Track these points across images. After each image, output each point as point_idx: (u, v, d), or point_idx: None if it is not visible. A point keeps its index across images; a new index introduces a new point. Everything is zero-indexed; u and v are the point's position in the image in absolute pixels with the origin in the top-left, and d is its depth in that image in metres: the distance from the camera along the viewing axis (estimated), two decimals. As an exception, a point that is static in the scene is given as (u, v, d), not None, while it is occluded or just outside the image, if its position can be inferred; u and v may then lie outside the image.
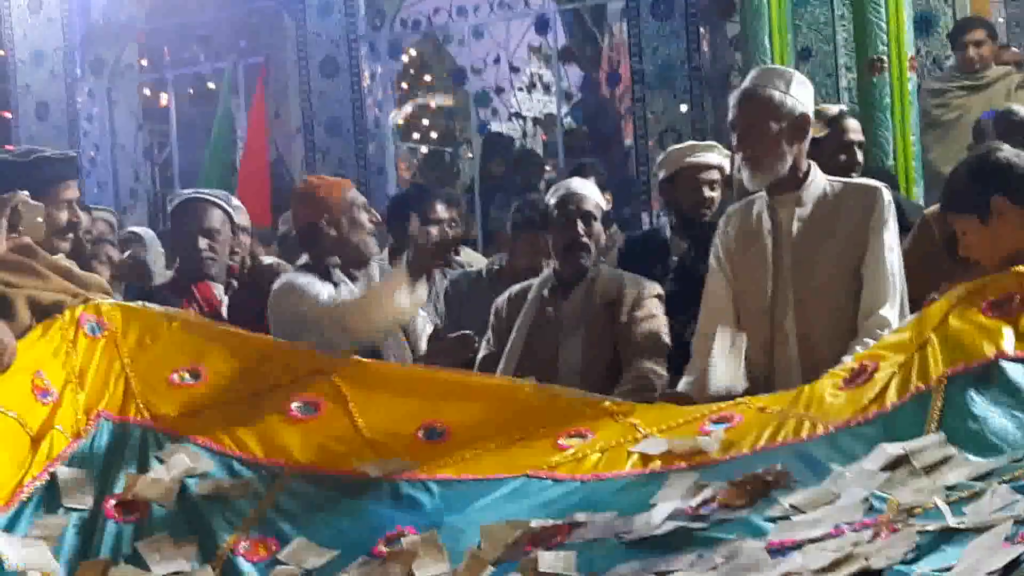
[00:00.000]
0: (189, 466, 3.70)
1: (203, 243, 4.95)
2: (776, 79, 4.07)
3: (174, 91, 12.14)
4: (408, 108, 13.33)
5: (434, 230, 6.01)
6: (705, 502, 3.16)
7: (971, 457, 2.97)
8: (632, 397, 4.06)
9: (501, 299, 4.81)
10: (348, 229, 4.59)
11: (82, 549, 3.43)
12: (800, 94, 4.05)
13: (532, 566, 3.06)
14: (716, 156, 5.19)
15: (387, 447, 3.80)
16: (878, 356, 3.51)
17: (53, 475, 3.56)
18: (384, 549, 3.35)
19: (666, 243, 5.29)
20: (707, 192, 5.13)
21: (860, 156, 5.06)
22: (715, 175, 5.16)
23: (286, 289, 4.47)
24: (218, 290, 5.01)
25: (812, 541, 2.74)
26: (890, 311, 3.86)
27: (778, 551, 2.77)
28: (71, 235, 4.23)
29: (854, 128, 5.07)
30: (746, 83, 4.14)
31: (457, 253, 6.25)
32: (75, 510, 3.52)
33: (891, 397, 3.32)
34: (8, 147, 10.60)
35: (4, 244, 3.49)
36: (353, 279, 4.60)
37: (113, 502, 3.57)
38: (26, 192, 3.56)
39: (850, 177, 4.50)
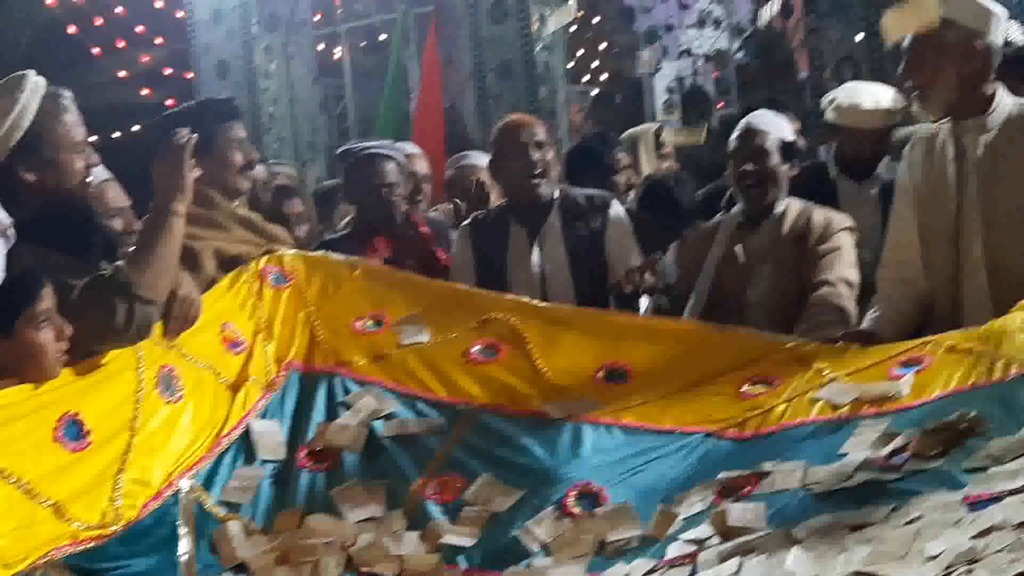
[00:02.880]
0: (375, 408, 3.77)
1: (380, 197, 4.98)
2: (951, 3, 3.91)
3: (347, 43, 12.25)
4: (577, 50, 13.27)
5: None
6: (896, 451, 3.05)
7: None
8: (817, 330, 3.99)
9: (689, 237, 4.76)
10: None
11: (278, 499, 3.51)
12: (976, 20, 3.88)
13: (721, 519, 3.03)
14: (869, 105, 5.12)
15: (568, 388, 3.81)
16: None
17: (248, 427, 3.64)
18: (575, 509, 3.33)
19: (830, 178, 5.19)
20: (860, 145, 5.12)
21: None
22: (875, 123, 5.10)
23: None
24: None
25: (1012, 493, 2.61)
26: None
27: (976, 505, 2.64)
28: (250, 171, 4.27)
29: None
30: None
31: None
32: (270, 461, 3.60)
33: None
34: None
35: (192, 182, 3.50)
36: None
37: (305, 451, 3.65)
38: (187, 128, 3.56)
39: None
